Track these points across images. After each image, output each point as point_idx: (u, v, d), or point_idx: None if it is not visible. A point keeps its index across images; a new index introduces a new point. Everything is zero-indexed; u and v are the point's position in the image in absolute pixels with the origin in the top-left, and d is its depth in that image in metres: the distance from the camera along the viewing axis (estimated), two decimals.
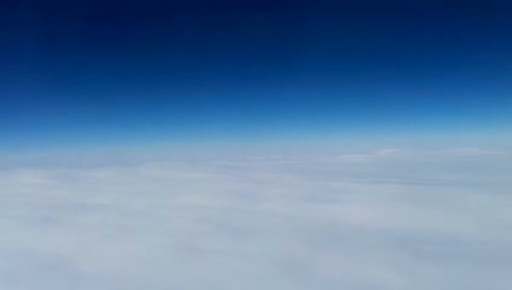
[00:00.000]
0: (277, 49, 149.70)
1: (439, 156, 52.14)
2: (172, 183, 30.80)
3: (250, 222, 15.80)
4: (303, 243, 12.73)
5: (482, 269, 9.97)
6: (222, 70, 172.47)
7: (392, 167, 40.46)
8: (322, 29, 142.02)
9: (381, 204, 17.80)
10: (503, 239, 12.21)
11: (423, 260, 10.63)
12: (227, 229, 14.85)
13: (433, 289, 9.16)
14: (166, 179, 34.05)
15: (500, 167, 35.34)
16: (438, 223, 14.39)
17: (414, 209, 16.68)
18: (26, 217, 18.57)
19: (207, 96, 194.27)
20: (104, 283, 10.26)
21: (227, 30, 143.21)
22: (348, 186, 24.06)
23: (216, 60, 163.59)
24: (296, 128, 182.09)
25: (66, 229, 16.06)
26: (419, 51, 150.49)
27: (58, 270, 11.30)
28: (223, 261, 11.36)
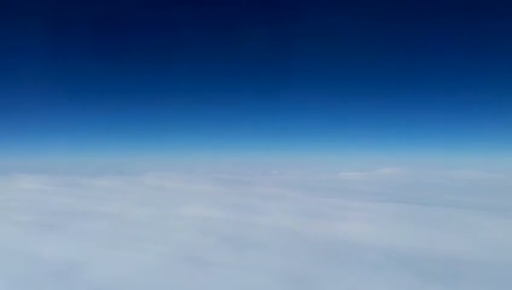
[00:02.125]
0: (277, 64, 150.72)
1: (440, 177, 52.21)
2: (174, 194, 30.86)
3: (253, 236, 15.87)
4: (305, 258, 12.81)
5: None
6: (223, 84, 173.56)
7: (393, 186, 40.47)
8: (324, 44, 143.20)
9: (383, 223, 17.88)
10: (501, 261, 12.33)
11: (425, 280, 10.73)
12: (230, 242, 14.92)
13: None
14: (168, 190, 34.12)
15: (501, 191, 35.38)
16: (439, 243, 14.49)
17: (415, 229, 16.76)
18: (28, 223, 18.63)
19: (207, 109, 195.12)
20: None
21: (228, 43, 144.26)
22: (349, 204, 24.11)
23: (217, 74, 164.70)
24: (294, 144, 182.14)
25: (68, 237, 16.09)
26: (424, 69, 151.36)
27: (62, 277, 11.34)
28: (227, 273, 11.44)
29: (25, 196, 29.27)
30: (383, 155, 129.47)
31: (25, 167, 63.87)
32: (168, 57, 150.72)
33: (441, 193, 32.33)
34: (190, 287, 10.47)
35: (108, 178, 43.67)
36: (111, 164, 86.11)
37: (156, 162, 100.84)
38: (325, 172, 63.70)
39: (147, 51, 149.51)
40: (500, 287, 10.29)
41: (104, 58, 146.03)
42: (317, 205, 23.93)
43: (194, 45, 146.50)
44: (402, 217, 19.34)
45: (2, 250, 14.20)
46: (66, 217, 20.26)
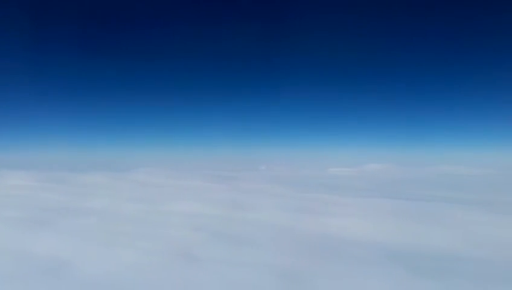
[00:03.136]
0: (265, 60, 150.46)
1: (429, 173, 52.66)
2: (164, 190, 30.81)
3: (243, 232, 16.02)
4: (295, 254, 12.98)
5: (474, 285, 10.30)
6: (210, 81, 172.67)
7: (382, 182, 40.75)
8: (315, 43, 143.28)
9: (372, 218, 18.13)
10: (491, 256, 12.59)
11: (414, 275, 10.94)
12: (220, 238, 15.06)
13: None
14: (157, 186, 34.04)
15: (489, 186, 35.81)
16: (429, 239, 14.75)
17: (404, 224, 17.00)
18: (16, 219, 18.55)
19: (195, 105, 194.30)
20: (96, 288, 10.36)
21: (219, 40, 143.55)
22: (337, 199, 24.36)
23: (204, 70, 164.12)
24: (282, 139, 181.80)
25: (57, 233, 16.06)
26: (413, 66, 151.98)
27: (51, 274, 11.35)
28: (217, 269, 11.56)
29: (14, 192, 29.03)
30: (372, 151, 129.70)
31: (14, 163, 63.20)
32: (158, 53, 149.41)
33: (430, 189, 32.65)
34: (180, 283, 10.55)
35: (97, 174, 43.33)
36: (100, 160, 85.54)
37: (145, 158, 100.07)
38: (313, 168, 63.90)
39: (137, 47, 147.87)
40: (490, 283, 10.42)
41: (94, 54, 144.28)
42: (306, 200, 24.11)
43: (185, 41, 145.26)
44: (391, 212, 19.58)
45: None
46: (55, 213, 20.20)
